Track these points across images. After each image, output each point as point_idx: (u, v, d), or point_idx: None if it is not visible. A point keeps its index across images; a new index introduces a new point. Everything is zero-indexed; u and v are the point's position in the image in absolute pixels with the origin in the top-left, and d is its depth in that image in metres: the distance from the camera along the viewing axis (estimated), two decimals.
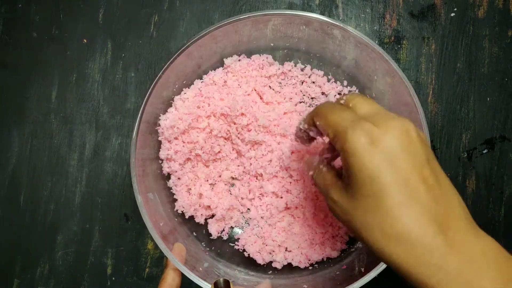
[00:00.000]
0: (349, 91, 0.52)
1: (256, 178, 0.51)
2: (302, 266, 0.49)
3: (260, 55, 0.52)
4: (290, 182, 0.50)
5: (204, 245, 0.51)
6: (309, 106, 0.53)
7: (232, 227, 0.52)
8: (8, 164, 0.56)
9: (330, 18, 0.46)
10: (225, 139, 0.51)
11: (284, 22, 0.48)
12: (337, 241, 0.50)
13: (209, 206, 0.50)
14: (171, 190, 0.51)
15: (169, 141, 0.49)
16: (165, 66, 0.46)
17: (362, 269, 0.44)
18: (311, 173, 0.35)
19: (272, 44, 0.52)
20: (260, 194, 0.51)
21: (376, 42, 0.55)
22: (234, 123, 0.49)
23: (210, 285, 0.42)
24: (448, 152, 0.54)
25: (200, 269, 0.45)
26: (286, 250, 0.50)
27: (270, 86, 0.52)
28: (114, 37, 0.56)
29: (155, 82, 0.45)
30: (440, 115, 0.54)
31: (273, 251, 0.50)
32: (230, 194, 0.51)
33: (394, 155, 0.25)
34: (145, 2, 0.56)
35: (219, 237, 0.52)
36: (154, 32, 0.56)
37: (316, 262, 0.50)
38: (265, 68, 0.52)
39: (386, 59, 0.45)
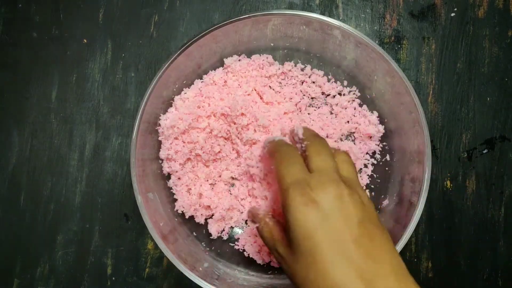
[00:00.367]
0: (349, 92, 0.52)
1: (253, 179, 0.51)
2: None
3: (260, 55, 0.52)
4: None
5: (204, 245, 0.51)
6: (309, 106, 0.53)
7: (232, 227, 0.52)
8: (8, 164, 0.56)
9: (330, 18, 0.46)
10: (225, 139, 0.51)
11: (284, 22, 0.48)
12: None
13: (209, 206, 0.50)
14: (171, 190, 0.51)
15: (169, 141, 0.49)
16: (165, 66, 0.46)
17: None
18: (256, 225, 0.36)
19: (272, 44, 0.52)
20: (253, 195, 0.51)
21: (376, 42, 0.55)
22: (234, 123, 0.49)
23: (210, 285, 0.42)
24: (448, 152, 0.54)
25: (200, 269, 0.45)
26: None
27: (270, 86, 0.52)
28: (114, 37, 0.56)
29: (155, 82, 0.45)
30: (440, 115, 0.54)
31: (269, 254, 0.50)
32: (230, 194, 0.51)
33: (327, 216, 0.28)
34: (145, 2, 0.56)
35: (219, 237, 0.52)
36: (154, 32, 0.56)
37: None
38: (265, 68, 0.52)
39: (386, 59, 0.45)
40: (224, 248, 0.51)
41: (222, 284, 0.45)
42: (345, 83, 0.52)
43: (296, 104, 0.52)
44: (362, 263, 0.27)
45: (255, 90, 0.51)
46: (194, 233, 0.51)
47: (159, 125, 0.49)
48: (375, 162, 0.52)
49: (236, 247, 0.51)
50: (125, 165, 0.55)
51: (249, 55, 0.52)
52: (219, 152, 0.51)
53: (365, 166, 0.52)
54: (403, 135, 0.48)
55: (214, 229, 0.51)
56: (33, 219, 0.55)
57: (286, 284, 0.48)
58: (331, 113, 0.53)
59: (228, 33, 0.48)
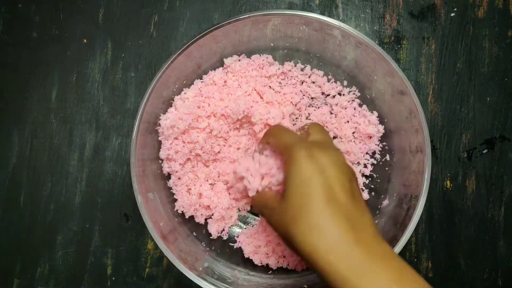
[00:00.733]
0: (349, 92, 0.52)
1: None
2: (299, 269, 0.49)
3: (260, 55, 0.52)
4: None
5: (204, 245, 0.51)
6: (309, 106, 0.53)
7: (232, 226, 0.52)
8: (8, 164, 0.56)
9: (330, 18, 0.46)
10: (225, 139, 0.51)
11: (284, 22, 0.48)
12: None
13: (208, 206, 0.50)
14: (171, 190, 0.51)
15: (169, 141, 0.49)
16: (165, 66, 0.46)
17: None
18: (252, 194, 0.39)
19: (272, 44, 0.52)
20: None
21: (376, 42, 0.55)
22: (234, 123, 0.49)
23: (210, 285, 0.42)
24: (448, 152, 0.54)
25: (200, 269, 0.46)
26: (280, 256, 0.50)
27: (270, 86, 0.52)
28: (114, 37, 0.56)
29: (155, 82, 0.45)
30: (440, 115, 0.54)
31: (267, 254, 0.50)
32: (230, 193, 0.51)
33: (325, 168, 0.32)
34: (145, 2, 0.56)
35: (219, 237, 0.52)
36: (154, 32, 0.56)
37: None
38: (265, 68, 0.52)
39: (386, 59, 0.45)
40: (224, 248, 0.51)
41: (222, 284, 0.45)
42: (345, 83, 0.52)
43: (296, 104, 0.52)
44: (350, 210, 0.31)
45: (255, 90, 0.51)
46: (194, 233, 0.51)
47: (159, 125, 0.49)
48: (374, 162, 0.52)
49: (236, 246, 0.51)
50: (125, 165, 0.55)
51: (249, 55, 0.52)
52: (219, 152, 0.51)
53: (365, 166, 0.52)
54: (403, 135, 0.48)
55: (214, 229, 0.51)
56: (33, 219, 0.55)
57: (286, 284, 0.48)
58: (331, 113, 0.53)
59: (228, 33, 0.48)
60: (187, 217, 0.51)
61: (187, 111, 0.48)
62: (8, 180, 0.55)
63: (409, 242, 0.53)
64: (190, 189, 0.51)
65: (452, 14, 0.55)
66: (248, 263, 0.51)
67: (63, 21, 0.57)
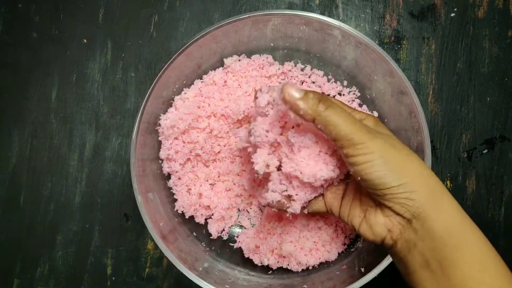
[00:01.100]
0: (349, 92, 0.52)
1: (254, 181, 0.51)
2: (299, 269, 0.49)
3: (260, 55, 0.52)
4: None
5: (204, 245, 0.51)
6: None
7: (232, 226, 0.52)
8: (8, 164, 0.56)
9: (330, 18, 0.46)
10: (225, 139, 0.51)
11: (284, 22, 0.48)
12: (333, 246, 0.49)
13: (208, 206, 0.50)
14: (171, 190, 0.51)
15: (169, 141, 0.49)
16: (165, 66, 0.46)
17: (362, 269, 0.44)
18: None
19: (272, 44, 0.52)
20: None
21: (376, 42, 0.55)
22: (234, 123, 0.49)
23: (210, 285, 0.42)
24: (448, 152, 0.54)
25: (200, 269, 0.45)
26: (280, 256, 0.50)
27: (270, 86, 0.52)
28: (114, 37, 0.56)
29: (155, 82, 0.45)
30: (440, 115, 0.54)
31: (266, 255, 0.50)
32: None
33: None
34: (145, 2, 0.56)
35: (219, 237, 0.52)
36: (154, 32, 0.56)
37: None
38: (265, 68, 0.52)
39: (386, 59, 0.45)
40: (224, 248, 0.51)
41: (222, 284, 0.44)
42: (345, 83, 0.52)
43: None
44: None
45: (255, 90, 0.51)
46: (194, 233, 0.51)
47: (159, 125, 0.49)
48: None
49: (236, 246, 0.51)
50: (125, 165, 0.55)
51: (249, 55, 0.52)
52: (219, 152, 0.51)
53: None
54: (403, 135, 0.48)
55: (214, 229, 0.51)
56: (33, 219, 0.55)
57: (286, 284, 0.48)
58: None
59: (228, 33, 0.48)
60: (187, 217, 0.51)
61: (187, 111, 0.48)
62: (8, 180, 0.55)
63: None
64: (190, 189, 0.51)
65: (452, 14, 0.55)
66: (248, 263, 0.51)
67: (63, 21, 0.57)
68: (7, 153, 0.56)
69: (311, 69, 0.53)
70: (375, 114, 0.51)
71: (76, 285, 0.54)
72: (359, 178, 0.33)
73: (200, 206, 0.51)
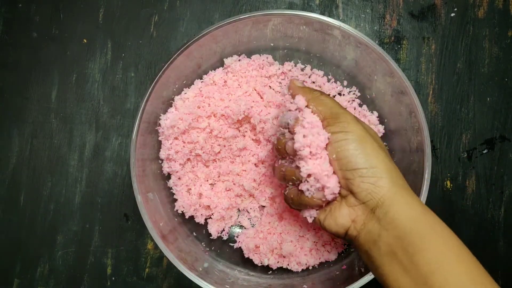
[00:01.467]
0: (349, 92, 0.52)
1: (254, 181, 0.51)
2: (299, 269, 0.49)
3: (260, 55, 0.52)
4: (272, 191, 0.50)
5: (204, 245, 0.51)
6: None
7: (232, 226, 0.52)
8: (8, 164, 0.56)
9: (330, 18, 0.46)
10: (225, 139, 0.51)
11: (284, 22, 0.48)
12: (333, 246, 0.49)
13: (208, 206, 0.50)
14: (171, 190, 0.51)
15: (169, 141, 0.49)
16: (165, 66, 0.46)
17: (362, 269, 0.44)
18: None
19: (272, 44, 0.52)
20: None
21: (376, 42, 0.55)
22: (235, 123, 0.49)
23: (210, 285, 0.42)
24: (448, 152, 0.54)
25: (200, 269, 0.45)
26: (280, 256, 0.50)
27: (270, 86, 0.52)
28: (114, 37, 0.56)
29: (155, 82, 0.45)
30: (440, 115, 0.54)
31: (266, 255, 0.50)
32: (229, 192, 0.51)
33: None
34: (145, 2, 0.56)
35: (219, 237, 0.52)
36: (154, 32, 0.56)
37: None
38: (265, 68, 0.52)
39: (386, 59, 0.45)
40: (224, 248, 0.51)
41: (222, 284, 0.44)
42: (345, 83, 0.52)
43: None
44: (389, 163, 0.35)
45: (255, 90, 0.51)
46: (194, 233, 0.51)
47: (159, 125, 0.49)
48: None
49: (236, 246, 0.51)
50: (125, 165, 0.55)
51: (249, 55, 0.52)
52: (219, 152, 0.51)
53: None
54: (403, 135, 0.48)
55: (214, 229, 0.51)
56: (33, 219, 0.55)
57: (286, 284, 0.48)
58: None
59: (228, 33, 0.48)
60: (187, 217, 0.51)
61: (187, 111, 0.48)
62: (8, 180, 0.55)
63: None
64: (190, 189, 0.51)
65: (452, 14, 0.55)
66: (248, 263, 0.51)
67: (63, 21, 0.57)
68: (7, 153, 0.56)
69: (311, 69, 0.53)
70: (375, 114, 0.51)
71: (76, 285, 0.54)
72: (334, 156, 0.35)
73: (200, 206, 0.51)
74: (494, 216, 0.53)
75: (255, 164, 0.51)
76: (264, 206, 0.52)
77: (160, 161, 0.50)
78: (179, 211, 0.50)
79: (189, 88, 0.51)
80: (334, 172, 0.36)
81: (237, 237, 0.52)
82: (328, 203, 0.38)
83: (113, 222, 0.54)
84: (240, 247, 0.51)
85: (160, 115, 0.49)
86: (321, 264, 0.50)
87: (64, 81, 0.56)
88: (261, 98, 0.51)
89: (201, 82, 0.51)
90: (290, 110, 0.39)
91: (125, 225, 0.54)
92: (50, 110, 0.56)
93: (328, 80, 0.53)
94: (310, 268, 0.50)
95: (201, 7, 0.56)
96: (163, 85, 0.47)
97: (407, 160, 0.48)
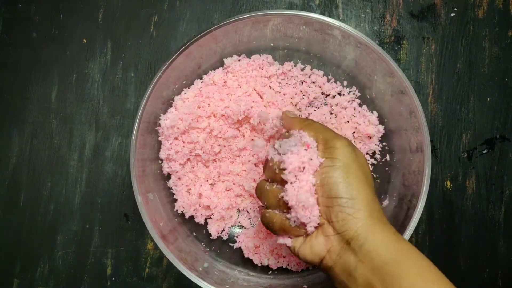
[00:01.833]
0: (349, 92, 0.52)
1: (254, 180, 0.51)
2: (299, 269, 0.49)
3: (260, 55, 0.52)
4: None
5: (204, 245, 0.51)
6: (309, 106, 0.53)
7: (232, 226, 0.52)
8: (8, 164, 0.56)
9: (330, 18, 0.46)
10: (225, 139, 0.51)
11: (284, 22, 0.48)
12: None
13: (208, 206, 0.50)
14: (171, 190, 0.51)
15: (169, 141, 0.49)
16: (165, 66, 0.46)
17: None
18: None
19: (272, 44, 0.52)
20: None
21: (376, 42, 0.55)
22: (234, 124, 0.49)
23: (210, 285, 0.42)
24: (448, 152, 0.54)
25: (200, 269, 0.45)
26: (280, 256, 0.50)
27: (270, 86, 0.52)
28: (114, 37, 0.56)
29: (155, 82, 0.45)
30: (440, 115, 0.54)
31: (266, 255, 0.50)
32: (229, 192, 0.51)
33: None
34: (145, 2, 0.56)
35: (219, 237, 0.52)
36: (154, 32, 0.56)
37: None
38: (265, 68, 0.52)
39: (386, 59, 0.45)
40: (224, 248, 0.51)
41: (222, 284, 0.44)
42: (345, 83, 0.52)
43: (296, 105, 0.52)
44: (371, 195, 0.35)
45: (255, 90, 0.51)
46: (194, 233, 0.51)
47: (159, 125, 0.49)
48: (375, 162, 0.52)
49: (236, 246, 0.51)
50: (125, 165, 0.55)
51: (249, 55, 0.52)
52: (219, 152, 0.51)
53: None
54: (403, 135, 0.48)
55: (214, 229, 0.51)
56: (33, 219, 0.55)
57: (286, 284, 0.48)
58: (331, 113, 0.53)
59: (228, 33, 0.48)
60: (187, 217, 0.51)
61: (187, 111, 0.48)
62: (8, 180, 0.55)
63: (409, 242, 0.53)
64: (190, 189, 0.51)
65: (452, 14, 0.55)
66: (248, 263, 0.51)
67: (63, 21, 0.57)
68: (7, 153, 0.56)
69: (311, 69, 0.53)
70: (375, 114, 0.51)
71: (76, 285, 0.54)
72: (318, 182, 0.35)
73: (200, 206, 0.51)
74: (494, 216, 0.53)
75: (255, 164, 0.51)
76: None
77: (160, 161, 0.50)
78: (179, 211, 0.50)
79: (189, 88, 0.51)
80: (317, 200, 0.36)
81: (237, 237, 0.52)
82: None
83: (113, 222, 0.54)
84: (240, 247, 0.51)
85: (160, 115, 0.49)
86: None
87: (64, 81, 0.56)
88: (261, 98, 0.51)
89: (201, 82, 0.51)
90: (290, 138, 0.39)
91: (125, 225, 0.54)
92: (50, 110, 0.56)
93: (328, 80, 0.53)
94: (310, 268, 0.50)
95: (201, 7, 0.56)
96: (163, 85, 0.47)
97: (407, 160, 0.48)
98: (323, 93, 0.53)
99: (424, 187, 0.43)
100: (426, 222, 0.53)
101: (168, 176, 0.51)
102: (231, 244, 0.52)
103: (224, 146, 0.50)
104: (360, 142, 0.52)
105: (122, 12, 0.56)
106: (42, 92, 0.56)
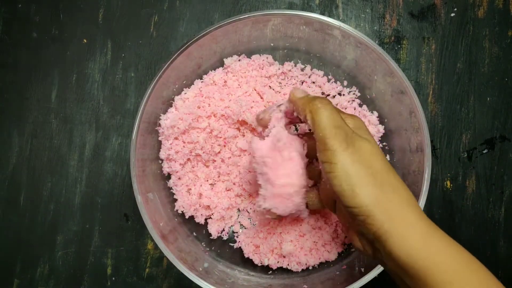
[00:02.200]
0: (349, 92, 0.52)
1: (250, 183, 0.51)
2: (299, 269, 0.49)
3: (260, 55, 0.52)
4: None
5: (204, 245, 0.51)
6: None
7: (232, 226, 0.52)
8: (8, 164, 0.56)
9: (330, 18, 0.46)
10: (225, 139, 0.51)
11: (284, 22, 0.48)
12: (333, 246, 0.49)
13: (208, 206, 0.50)
14: (171, 190, 0.51)
15: (169, 141, 0.49)
16: (165, 66, 0.46)
17: (362, 269, 0.44)
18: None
19: (272, 44, 0.52)
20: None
21: (376, 42, 0.55)
22: (235, 124, 0.49)
23: (210, 285, 0.42)
24: (448, 152, 0.54)
25: (200, 269, 0.45)
26: (280, 256, 0.50)
27: (270, 86, 0.52)
28: (114, 37, 0.56)
29: (155, 82, 0.45)
30: (440, 115, 0.54)
31: (266, 255, 0.50)
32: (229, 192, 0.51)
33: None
34: (145, 2, 0.56)
35: (219, 237, 0.52)
36: (154, 32, 0.56)
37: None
38: (265, 68, 0.52)
39: (386, 59, 0.45)
40: (224, 248, 0.51)
41: (222, 284, 0.44)
42: (345, 83, 0.52)
43: None
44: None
45: (255, 90, 0.51)
46: (194, 233, 0.51)
47: (159, 125, 0.49)
48: None
49: (236, 246, 0.51)
50: (125, 165, 0.55)
51: (249, 55, 0.52)
52: (219, 152, 0.51)
53: None
54: (403, 135, 0.48)
55: (214, 229, 0.51)
56: (33, 219, 0.55)
57: (286, 284, 0.48)
58: None
59: (228, 33, 0.48)
60: (187, 217, 0.51)
61: (187, 111, 0.48)
62: (8, 180, 0.55)
63: None
64: (190, 189, 0.51)
65: (452, 14, 0.55)
66: (248, 263, 0.51)
67: (63, 21, 0.57)
68: (7, 153, 0.56)
69: (311, 69, 0.53)
70: (375, 114, 0.51)
71: (76, 285, 0.54)
72: (328, 187, 0.34)
73: (200, 206, 0.51)
74: (494, 216, 0.53)
75: None
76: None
77: (160, 161, 0.50)
78: (179, 211, 0.50)
79: (189, 88, 0.51)
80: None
81: (237, 237, 0.52)
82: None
83: (113, 222, 0.54)
84: (240, 247, 0.51)
85: (160, 115, 0.49)
86: (321, 264, 0.50)
87: (64, 81, 0.56)
88: (261, 98, 0.51)
89: (201, 82, 0.51)
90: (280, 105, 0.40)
91: (125, 225, 0.54)
92: (50, 110, 0.56)
93: (328, 80, 0.53)
94: (310, 268, 0.50)
95: (201, 7, 0.56)
96: (163, 85, 0.47)
97: (407, 160, 0.48)
98: (323, 93, 0.53)
99: (424, 187, 0.43)
100: None
101: (168, 176, 0.51)
102: (231, 244, 0.52)
103: (224, 146, 0.50)
104: None
105: (122, 12, 0.56)
106: (42, 92, 0.56)
